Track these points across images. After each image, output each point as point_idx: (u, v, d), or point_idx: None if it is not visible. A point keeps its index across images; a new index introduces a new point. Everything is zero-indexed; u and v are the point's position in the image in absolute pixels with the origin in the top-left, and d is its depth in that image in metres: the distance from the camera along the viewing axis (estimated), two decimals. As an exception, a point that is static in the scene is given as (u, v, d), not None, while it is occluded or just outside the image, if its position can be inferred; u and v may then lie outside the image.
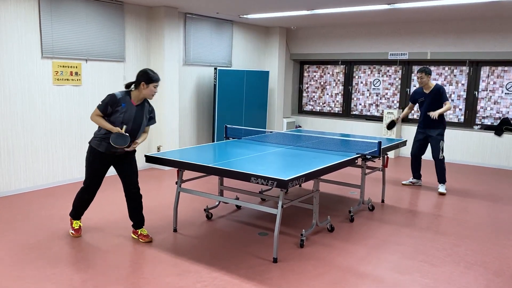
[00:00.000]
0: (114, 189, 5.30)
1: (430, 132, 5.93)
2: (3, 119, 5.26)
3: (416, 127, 6.25)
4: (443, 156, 5.91)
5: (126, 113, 3.71)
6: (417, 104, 6.12)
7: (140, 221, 4.04)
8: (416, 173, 6.31)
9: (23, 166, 5.51)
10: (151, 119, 3.97)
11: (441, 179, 5.96)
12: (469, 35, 7.68)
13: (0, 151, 5.27)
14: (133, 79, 6.83)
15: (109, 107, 3.68)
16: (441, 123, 5.89)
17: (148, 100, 3.90)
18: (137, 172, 4.02)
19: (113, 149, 3.76)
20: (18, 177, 5.49)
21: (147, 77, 3.71)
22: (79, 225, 4.13)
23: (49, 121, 5.72)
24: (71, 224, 4.12)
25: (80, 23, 5.89)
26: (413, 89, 8.58)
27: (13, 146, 5.39)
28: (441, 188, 5.92)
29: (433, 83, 5.92)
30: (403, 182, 6.40)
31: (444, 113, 5.82)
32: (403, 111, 8.60)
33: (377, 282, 3.31)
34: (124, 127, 3.69)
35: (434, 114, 5.69)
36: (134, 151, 3.98)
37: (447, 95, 5.86)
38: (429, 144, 6.08)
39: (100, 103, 3.70)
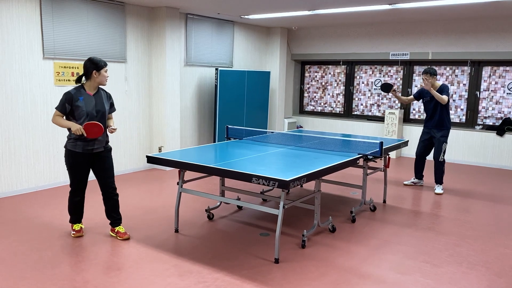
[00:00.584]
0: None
1: (435, 133, 5.94)
2: (5, 119, 5.27)
3: (418, 127, 6.26)
4: (444, 159, 5.90)
5: (86, 105, 3.78)
6: (422, 105, 6.11)
7: (118, 219, 4.10)
8: (419, 174, 6.30)
9: (24, 166, 5.52)
10: (112, 106, 4.05)
11: (439, 180, 5.97)
12: (470, 35, 7.67)
13: (1, 151, 5.28)
14: (135, 79, 6.87)
15: (67, 105, 3.74)
16: (446, 125, 5.90)
17: (102, 87, 3.97)
18: (113, 172, 4.08)
19: (90, 146, 3.85)
20: (20, 177, 5.49)
21: (96, 65, 3.78)
22: (80, 226, 4.16)
23: (51, 122, 5.73)
24: (72, 227, 4.16)
25: (82, 23, 5.90)
26: (414, 89, 8.59)
27: (15, 146, 5.40)
28: (438, 189, 5.92)
29: (439, 83, 5.90)
30: (405, 182, 6.39)
31: (450, 116, 5.86)
32: (404, 110, 8.65)
33: (378, 282, 3.31)
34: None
35: (428, 87, 5.67)
36: (110, 150, 4.05)
37: (449, 94, 5.85)
38: (433, 144, 6.09)
39: (58, 104, 3.77)
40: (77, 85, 3.87)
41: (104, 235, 4.15)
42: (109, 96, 4.02)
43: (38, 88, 5.55)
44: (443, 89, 5.78)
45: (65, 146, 3.91)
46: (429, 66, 5.99)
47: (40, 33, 5.48)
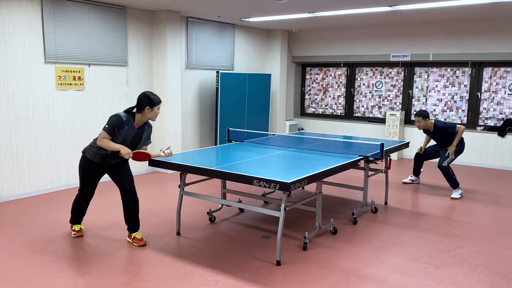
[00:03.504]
0: (118, 192, 5.31)
1: (442, 149, 5.95)
2: (7, 123, 5.29)
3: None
4: (447, 164, 5.77)
5: (127, 135, 3.77)
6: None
7: (136, 225, 4.07)
8: (416, 170, 6.38)
9: (26, 170, 5.54)
10: (148, 139, 4.01)
11: (454, 185, 5.82)
12: (471, 36, 7.68)
13: (4, 155, 5.30)
14: (136, 83, 6.91)
15: (116, 129, 3.72)
16: (459, 146, 5.85)
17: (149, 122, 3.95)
18: (133, 177, 4.06)
19: (108, 160, 3.88)
20: (22, 181, 5.51)
21: (150, 101, 3.74)
22: (80, 227, 4.20)
23: (53, 126, 5.75)
24: (71, 227, 4.20)
25: (83, 27, 5.92)
26: (415, 90, 8.60)
27: (17, 150, 5.41)
28: (454, 194, 5.77)
29: (432, 121, 5.87)
30: (404, 181, 6.46)
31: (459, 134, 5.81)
32: (405, 112, 8.66)
33: (380, 284, 3.31)
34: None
35: (451, 151, 5.77)
36: (127, 159, 4.02)
37: (450, 125, 5.80)
38: (435, 156, 6.13)
39: (107, 125, 3.71)
40: (128, 112, 3.81)
41: (106, 238, 4.16)
42: (150, 131, 3.98)
43: (40, 92, 5.57)
44: (447, 128, 5.75)
45: (84, 152, 3.91)
46: (420, 109, 5.99)
47: (42, 37, 5.51)
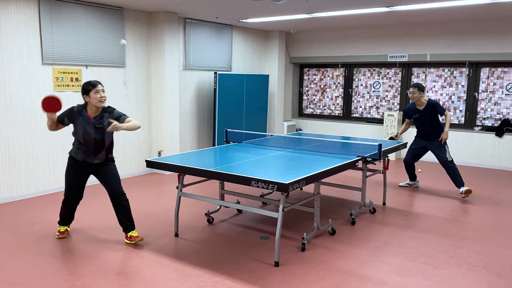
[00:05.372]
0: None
1: (431, 144, 5.89)
2: (4, 125, 5.28)
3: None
4: (452, 158, 5.77)
5: (86, 125, 3.85)
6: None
7: (129, 225, 4.06)
8: (411, 175, 6.31)
9: (24, 172, 5.52)
10: (120, 117, 3.90)
11: (459, 183, 5.74)
12: (468, 36, 7.70)
13: (1, 157, 5.29)
14: (133, 84, 6.89)
15: (65, 119, 3.86)
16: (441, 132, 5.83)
17: (106, 108, 3.93)
18: (119, 178, 4.07)
19: (90, 159, 3.91)
20: (19, 183, 5.49)
21: (83, 90, 3.84)
22: (66, 228, 4.22)
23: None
24: (58, 228, 4.24)
25: (80, 29, 5.91)
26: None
27: (14, 152, 5.40)
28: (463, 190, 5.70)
29: (425, 98, 5.85)
30: (400, 184, 6.42)
31: (441, 122, 5.77)
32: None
33: (379, 284, 3.31)
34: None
35: (444, 139, 5.72)
36: (112, 160, 4.07)
37: (442, 106, 5.81)
38: (423, 153, 6.07)
39: (61, 113, 3.88)
40: (82, 104, 3.91)
41: (103, 240, 4.15)
42: (113, 113, 3.93)
43: (38, 94, 5.55)
44: (438, 107, 5.73)
45: (69, 152, 4.00)
46: (417, 82, 5.98)
47: (39, 39, 5.50)
